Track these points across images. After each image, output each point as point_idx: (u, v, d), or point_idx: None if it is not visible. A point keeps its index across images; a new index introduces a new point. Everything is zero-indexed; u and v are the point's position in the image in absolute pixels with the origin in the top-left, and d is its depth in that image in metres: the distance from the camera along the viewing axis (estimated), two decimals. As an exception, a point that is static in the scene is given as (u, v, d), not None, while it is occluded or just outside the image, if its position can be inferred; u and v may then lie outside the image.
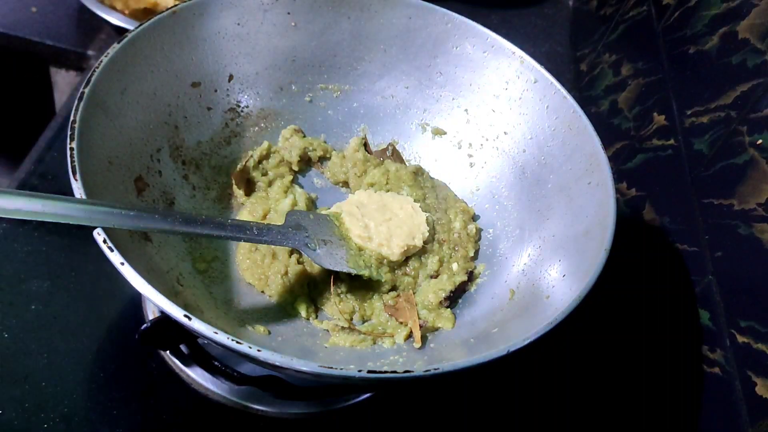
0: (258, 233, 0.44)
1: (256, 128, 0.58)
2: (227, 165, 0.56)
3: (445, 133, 0.61)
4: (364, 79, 0.61)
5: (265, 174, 0.57)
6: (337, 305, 0.49)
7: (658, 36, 0.65)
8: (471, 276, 0.53)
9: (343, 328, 0.48)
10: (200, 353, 0.49)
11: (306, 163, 0.60)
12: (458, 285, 0.51)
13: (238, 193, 0.55)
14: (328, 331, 0.48)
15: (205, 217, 0.41)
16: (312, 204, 0.57)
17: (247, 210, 0.54)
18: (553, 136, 0.53)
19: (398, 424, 0.52)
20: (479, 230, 0.56)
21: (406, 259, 0.52)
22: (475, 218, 0.57)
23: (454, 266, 0.53)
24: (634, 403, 0.54)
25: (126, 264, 0.34)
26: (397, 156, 0.60)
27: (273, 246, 0.50)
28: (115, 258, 0.34)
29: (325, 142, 0.60)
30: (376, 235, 0.51)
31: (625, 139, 0.66)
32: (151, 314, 0.51)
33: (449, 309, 0.50)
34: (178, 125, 0.52)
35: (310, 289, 0.50)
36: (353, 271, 0.49)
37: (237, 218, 0.51)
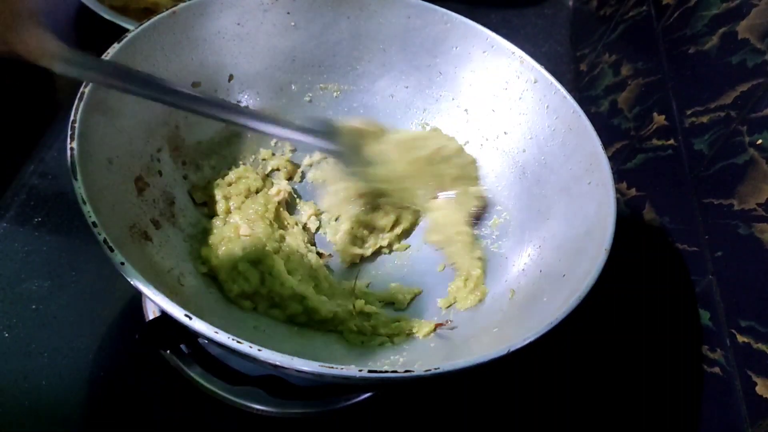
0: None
1: (256, 128, 0.58)
2: (227, 165, 0.56)
3: (445, 133, 0.61)
4: (363, 79, 0.61)
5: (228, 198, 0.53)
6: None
7: (658, 36, 0.65)
8: None
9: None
10: (200, 353, 0.49)
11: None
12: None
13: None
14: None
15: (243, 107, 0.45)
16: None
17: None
18: (553, 136, 0.53)
19: (398, 424, 0.52)
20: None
21: None
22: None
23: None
24: (634, 403, 0.54)
25: (126, 264, 0.34)
26: None
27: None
28: (115, 258, 0.34)
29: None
30: None
31: (625, 139, 0.66)
32: (151, 314, 0.51)
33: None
34: (178, 125, 0.52)
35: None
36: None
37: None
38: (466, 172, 0.56)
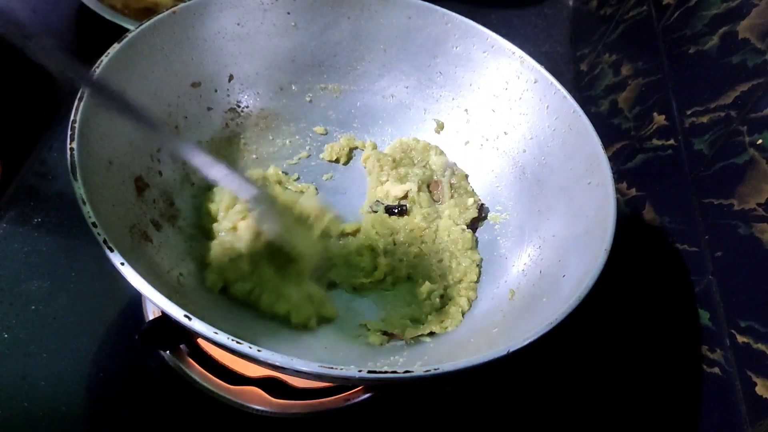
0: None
1: (256, 128, 0.58)
2: (228, 166, 0.56)
3: (445, 133, 0.61)
4: (364, 79, 0.61)
5: None
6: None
7: (658, 36, 0.65)
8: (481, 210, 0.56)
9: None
10: (200, 353, 0.49)
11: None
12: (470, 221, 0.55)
13: None
14: None
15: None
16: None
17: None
18: (553, 136, 0.53)
19: (399, 425, 0.52)
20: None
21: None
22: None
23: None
24: (634, 403, 0.54)
25: (126, 264, 0.34)
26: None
27: None
28: (115, 258, 0.34)
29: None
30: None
31: (625, 139, 0.66)
32: (151, 314, 0.51)
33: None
34: (178, 125, 0.52)
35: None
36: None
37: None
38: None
